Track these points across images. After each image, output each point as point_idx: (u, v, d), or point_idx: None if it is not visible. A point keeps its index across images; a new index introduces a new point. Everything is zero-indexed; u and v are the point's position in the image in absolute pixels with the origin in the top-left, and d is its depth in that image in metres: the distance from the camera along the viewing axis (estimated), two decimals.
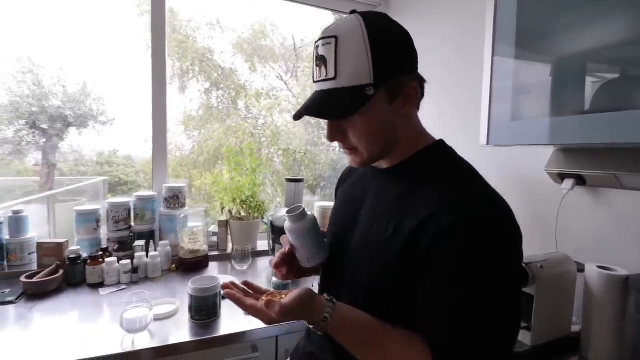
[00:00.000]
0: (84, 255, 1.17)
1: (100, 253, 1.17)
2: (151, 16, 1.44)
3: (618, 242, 0.87)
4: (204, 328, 0.92)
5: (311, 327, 0.56)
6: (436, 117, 1.30)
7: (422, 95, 0.60)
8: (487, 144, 0.86)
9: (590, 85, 0.70)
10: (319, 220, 1.47)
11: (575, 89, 0.73)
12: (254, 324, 0.95)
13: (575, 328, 0.91)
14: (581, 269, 0.88)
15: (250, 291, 0.63)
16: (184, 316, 0.97)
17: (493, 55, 0.83)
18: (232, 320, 0.97)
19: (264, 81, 3.30)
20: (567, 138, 0.70)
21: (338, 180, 0.85)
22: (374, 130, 0.57)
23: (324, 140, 3.14)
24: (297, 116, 0.58)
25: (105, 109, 2.93)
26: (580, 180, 0.93)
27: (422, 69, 0.59)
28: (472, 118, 1.17)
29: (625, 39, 0.64)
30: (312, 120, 3.31)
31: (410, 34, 0.58)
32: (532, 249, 1.01)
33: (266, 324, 0.56)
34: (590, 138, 0.64)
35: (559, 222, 0.98)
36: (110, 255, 1.20)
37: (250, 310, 0.56)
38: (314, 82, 0.59)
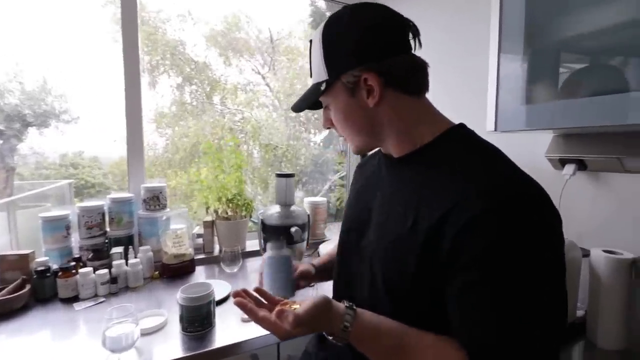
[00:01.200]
0: (54, 266, 1.05)
1: (73, 263, 1.05)
2: (121, 4, 1.30)
3: (621, 226, 0.87)
4: (197, 340, 0.84)
5: (330, 337, 0.51)
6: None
7: (398, 82, 0.55)
8: (495, 130, 0.83)
9: (611, 64, 0.68)
10: (310, 216, 1.41)
11: (586, 69, 0.71)
12: (252, 332, 0.88)
13: (579, 313, 0.90)
14: (586, 254, 0.87)
15: (263, 300, 0.56)
16: (174, 328, 0.88)
17: (500, 41, 0.80)
18: (229, 329, 0.89)
19: (240, 75, 3.18)
20: (583, 121, 0.67)
21: (353, 176, 0.79)
22: (345, 121, 0.61)
23: (305, 135, 3.07)
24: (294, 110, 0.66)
25: (69, 107, 2.71)
26: (581, 165, 0.92)
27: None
28: (471, 104, 1.15)
29: (629, 22, 0.62)
30: (292, 114, 3.24)
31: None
32: None
33: (280, 339, 0.50)
34: (612, 119, 0.61)
35: (561, 208, 0.97)
36: (85, 265, 1.08)
37: (263, 323, 0.50)
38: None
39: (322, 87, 0.59)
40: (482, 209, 0.44)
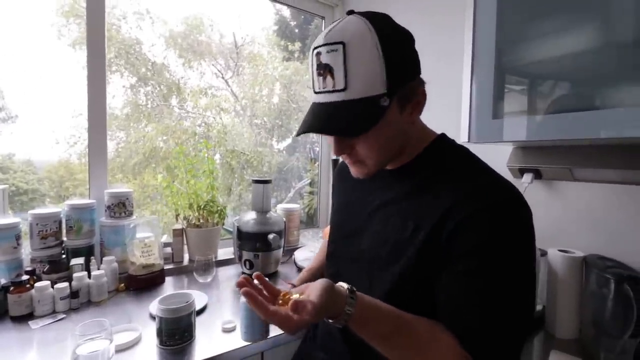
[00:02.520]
0: (2, 281, 0.93)
1: (27, 277, 0.94)
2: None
3: (571, 228, 0.99)
4: (177, 354, 0.80)
5: (330, 321, 0.49)
6: None
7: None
8: (468, 141, 0.90)
9: (565, 87, 0.78)
10: (285, 222, 1.40)
11: (551, 90, 0.81)
12: (235, 342, 0.85)
13: (538, 307, 1.00)
14: (543, 253, 0.98)
15: (264, 292, 0.54)
16: (150, 343, 0.83)
17: (473, 61, 0.88)
18: (210, 340, 0.86)
19: (201, 79, 3.08)
20: (547, 135, 0.76)
21: (334, 179, 0.81)
22: (386, 143, 0.55)
23: (269, 142, 3.05)
24: (301, 133, 0.54)
25: (5, 104, 2.43)
26: (537, 175, 1.03)
27: None
28: (444, 115, 1.23)
29: (589, 48, 0.72)
30: (258, 120, 3.20)
31: None
32: None
33: (291, 332, 0.47)
34: (575, 134, 0.70)
35: None
36: (39, 279, 0.97)
37: (272, 318, 0.47)
38: (316, 92, 0.54)
39: (386, 103, 0.50)
40: (474, 209, 0.49)
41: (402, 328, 0.50)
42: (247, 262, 1.24)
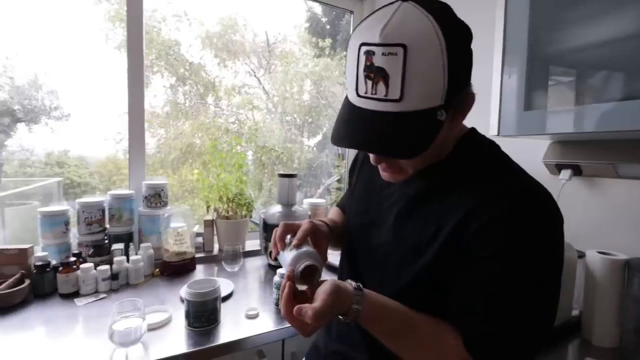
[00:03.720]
0: (53, 262, 1.03)
1: (74, 259, 1.03)
2: (127, 3, 1.31)
3: (613, 229, 0.92)
4: (203, 336, 0.84)
5: (341, 317, 0.50)
6: None
7: None
8: (498, 134, 0.86)
9: (606, 75, 0.73)
10: (310, 216, 1.42)
11: (589, 79, 0.75)
12: (257, 328, 0.88)
13: (575, 312, 0.94)
14: (581, 255, 0.91)
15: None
16: (178, 325, 0.88)
17: (504, 52, 0.84)
18: (234, 325, 0.89)
19: (235, 78, 3.18)
20: (586, 126, 0.71)
21: (352, 164, 0.80)
22: (431, 152, 0.50)
23: (299, 138, 3.09)
24: (342, 146, 0.50)
25: (60, 104, 2.66)
26: (576, 171, 0.97)
27: None
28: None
29: (633, 32, 0.66)
30: (288, 117, 3.25)
31: None
32: None
33: (306, 336, 0.49)
34: (619, 125, 0.65)
35: None
36: (85, 261, 1.06)
37: (292, 321, 0.49)
38: (360, 95, 0.47)
39: (442, 117, 0.45)
40: (499, 212, 0.46)
41: (407, 326, 0.50)
42: (272, 253, 1.28)
